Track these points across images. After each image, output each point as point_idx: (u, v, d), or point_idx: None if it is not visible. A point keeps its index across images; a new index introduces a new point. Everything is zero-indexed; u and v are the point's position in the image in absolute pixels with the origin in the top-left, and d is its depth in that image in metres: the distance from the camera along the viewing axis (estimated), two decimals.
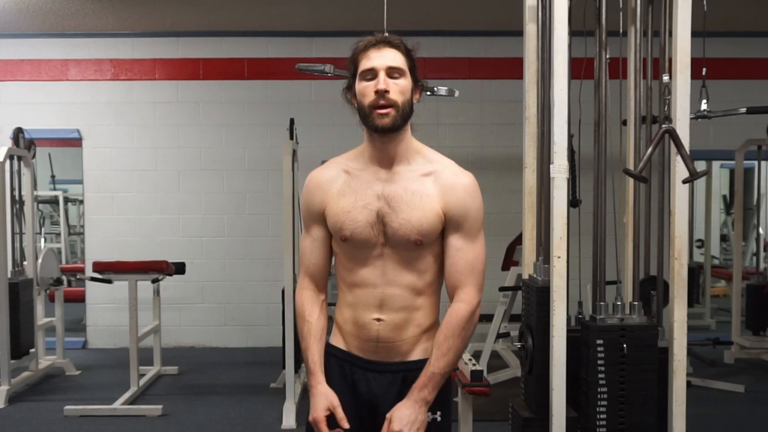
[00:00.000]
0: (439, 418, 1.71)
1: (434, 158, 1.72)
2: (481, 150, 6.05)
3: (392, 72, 1.62)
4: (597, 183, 2.71)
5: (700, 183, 6.91)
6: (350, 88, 1.70)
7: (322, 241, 1.77)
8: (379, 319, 1.69)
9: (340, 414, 1.70)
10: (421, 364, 1.70)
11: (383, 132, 1.63)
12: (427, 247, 1.67)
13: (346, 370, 1.76)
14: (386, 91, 1.61)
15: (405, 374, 1.71)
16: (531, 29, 2.85)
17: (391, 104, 1.61)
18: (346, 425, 1.69)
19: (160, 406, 4.24)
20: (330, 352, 1.79)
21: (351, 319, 1.73)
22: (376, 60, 1.62)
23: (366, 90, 1.63)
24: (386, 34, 1.67)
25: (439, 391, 1.69)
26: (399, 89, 1.63)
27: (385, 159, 1.68)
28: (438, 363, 1.66)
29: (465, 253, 1.67)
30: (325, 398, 1.71)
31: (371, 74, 1.63)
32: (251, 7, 5.41)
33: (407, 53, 1.66)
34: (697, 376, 4.68)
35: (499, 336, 4.66)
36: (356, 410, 1.74)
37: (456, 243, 1.67)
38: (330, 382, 1.75)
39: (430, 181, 1.67)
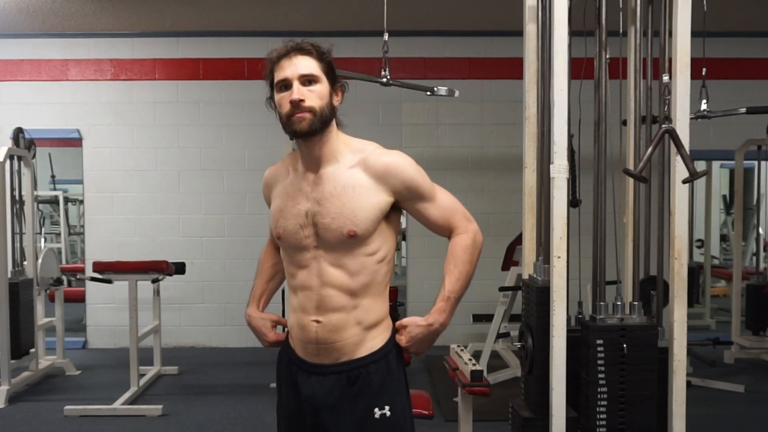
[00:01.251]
0: (388, 413, 1.68)
1: (358, 147, 1.72)
2: (481, 150, 6.05)
3: (306, 79, 1.63)
4: (597, 183, 2.71)
5: (700, 183, 6.91)
6: (272, 98, 1.71)
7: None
8: (317, 321, 1.69)
9: (283, 320, 1.89)
10: (366, 360, 1.69)
11: (302, 136, 1.66)
12: (360, 244, 1.66)
13: (293, 372, 1.77)
14: (301, 101, 1.62)
15: (349, 374, 1.69)
16: (531, 29, 2.85)
17: (308, 110, 1.63)
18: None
19: (160, 406, 4.24)
20: (284, 348, 1.84)
21: (296, 323, 1.75)
22: (288, 70, 1.63)
23: (282, 101, 1.65)
24: (298, 40, 1.67)
25: (387, 385, 1.69)
26: (315, 95, 1.64)
27: (312, 162, 1.71)
28: (453, 287, 1.72)
29: (438, 207, 1.74)
30: (269, 321, 1.87)
31: (285, 84, 1.64)
32: (251, 7, 5.42)
33: (320, 57, 1.66)
34: (697, 376, 4.68)
35: (499, 336, 4.66)
36: (299, 412, 1.75)
37: (424, 206, 1.73)
38: (282, 380, 1.83)
39: (360, 171, 1.67)
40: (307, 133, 1.64)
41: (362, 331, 1.69)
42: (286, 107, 1.64)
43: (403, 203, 1.71)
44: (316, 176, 1.70)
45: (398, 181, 1.67)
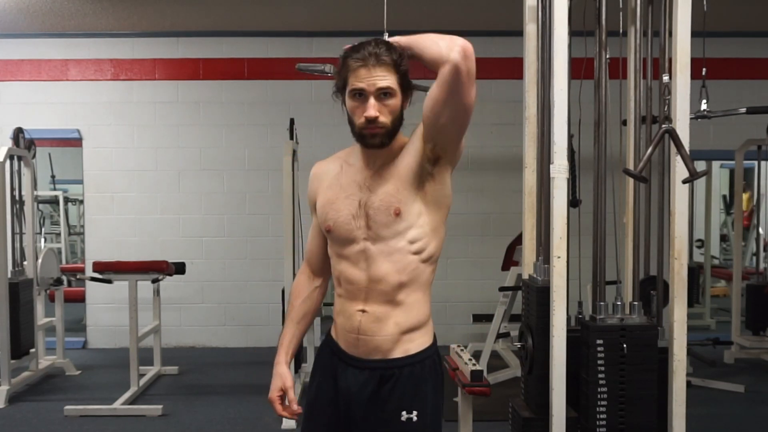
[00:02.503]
0: (414, 418, 1.69)
1: None
2: (481, 150, 6.04)
3: (381, 93, 1.63)
4: (597, 183, 2.71)
5: (700, 183, 6.91)
6: (341, 91, 1.70)
7: (318, 228, 1.83)
8: (363, 311, 1.70)
9: (291, 395, 1.80)
10: (400, 362, 1.70)
11: (372, 148, 1.69)
12: (404, 235, 1.66)
13: (334, 362, 1.79)
14: (376, 118, 1.62)
15: (383, 372, 1.70)
16: (531, 29, 2.85)
17: (381, 126, 1.64)
18: (295, 407, 1.80)
19: (160, 406, 4.24)
20: (326, 341, 1.85)
21: (341, 311, 1.76)
22: (365, 81, 1.62)
23: (356, 111, 1.65)
24: (376, 44, 1.63)
25: (418, 391, 1.70)
26: (389, 110, 1.64)
27: (372, 160, 1.73)
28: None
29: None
30: (280, 379, 1.81)
31: (360, 94, 1.63)
32: (251, 7, 5.41)
33: (397, 68, 1.63)
34: (697, 376, 4.68)
35: (499, 336, 4.66)
36: (334, 403, 1.76)
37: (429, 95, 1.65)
38: (319, 370, 1.84)
39: (403, 151, 1.71)
40: (378, 147, 1.67)
41: (399, 332, 1.70)
42: (360, 119, 1.64)
43: (427, 126, 1.66)
44: (375, 172, 1.71)
45: (418, 131, 1.70)
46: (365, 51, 1.62)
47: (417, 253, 1.68)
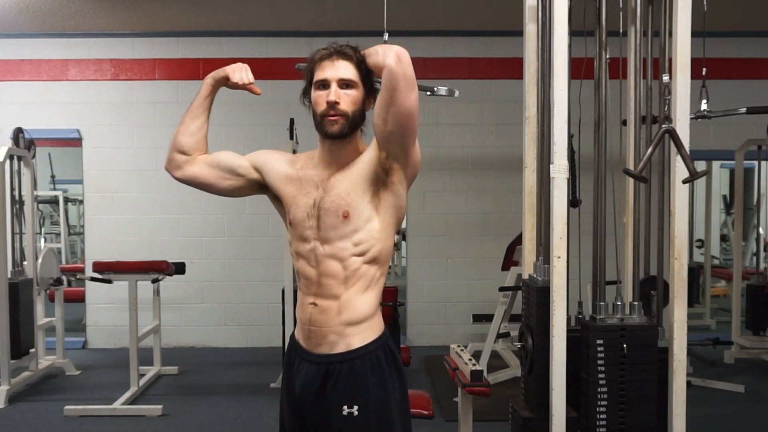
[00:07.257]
0: (355, 413, 1.72)
1: None
2: (481, 150, 6.05)
3: (343, 83, 1.72)
4: (597, 183, 2.71)
5: (700, 183, 6.91)
6: (306, 93, 1.81)
7: (243, 159, 1.98)
8: (314, 303, 1.77)
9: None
10: (342, 357, 1.74)
11: (332, 138, 1.74)
12: (350, 237, 1.72)
13: (293, 358, 1.85)
14: (337, 103, 1.71)
15: (327, 367, 1.75)
16: (531, 29, 2.85)
17: (341, 114, 1.72)
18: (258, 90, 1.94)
19: (160, 406, 4.24)
20: (290, 340, 1.91)
21: (299, 304, 1.84)
22: (328, 71, 1.72)
23: (319, 99, 1.74)
24: (341, 44, 1.75)
25: (360, 385, 1.72)
26: (350, 100, 1.73)
27: (332, 161, 1.80)
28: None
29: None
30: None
31: (324, 84, 1.73)
32: (251, 7, 5.42)
33: (360, 64, 1.73)
34: (697, 376, 4.68)
35: (499, 336, 4.67)
36: (294, 398, 1.82)
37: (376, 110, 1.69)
38: (285, 367, 1.90)
39: (361, 157, 1.77)
40: (338, 136, 1.73)
41: (342, 323, 1.75)
42: (322, 106, 1.73)
43: (377, 134, 1.70)
44: (332, 175, 1.78)
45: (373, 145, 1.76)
46: (330, 47, 1.75)
47: (361, 254, 1.75)
